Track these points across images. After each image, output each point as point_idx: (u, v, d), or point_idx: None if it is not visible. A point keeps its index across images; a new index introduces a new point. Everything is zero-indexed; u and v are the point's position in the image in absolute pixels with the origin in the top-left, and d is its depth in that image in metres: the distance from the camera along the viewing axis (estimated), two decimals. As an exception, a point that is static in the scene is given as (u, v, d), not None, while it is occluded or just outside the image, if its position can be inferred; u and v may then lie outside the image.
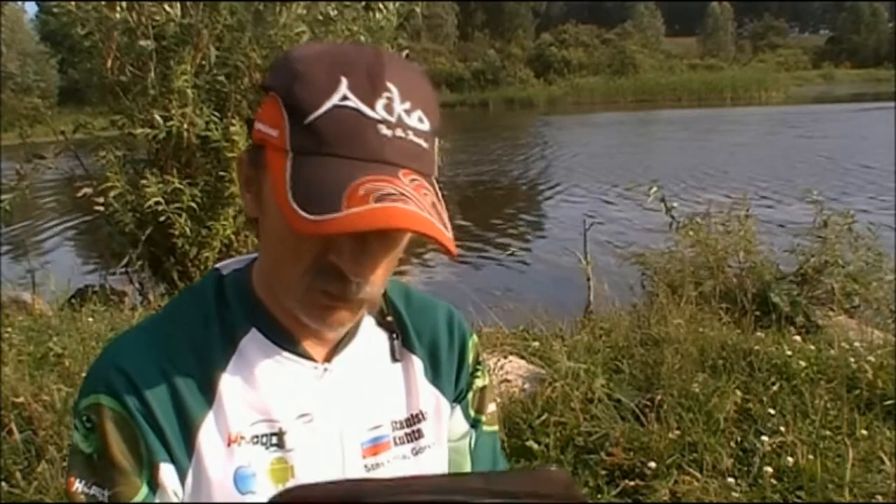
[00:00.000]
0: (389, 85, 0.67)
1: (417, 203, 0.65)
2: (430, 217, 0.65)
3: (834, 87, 50.14)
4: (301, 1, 5.14)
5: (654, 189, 5.20)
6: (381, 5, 5.34)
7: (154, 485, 0.74)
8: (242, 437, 0.77)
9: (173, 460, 0.75)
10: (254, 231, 0.85)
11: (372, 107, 0.66)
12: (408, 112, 0.68)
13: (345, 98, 0.66)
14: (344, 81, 0.67)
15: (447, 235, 0.65)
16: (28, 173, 5.49)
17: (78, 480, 0.75)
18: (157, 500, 0.74)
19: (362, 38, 5.22)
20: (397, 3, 5.40)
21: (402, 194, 0.64)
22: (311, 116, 0.66)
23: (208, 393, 0.76)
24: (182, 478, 0.75)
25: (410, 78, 0.70)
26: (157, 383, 0.75)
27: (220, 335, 0.79)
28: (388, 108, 0.67)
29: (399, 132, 0.67)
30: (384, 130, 0.66)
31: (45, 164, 5.52)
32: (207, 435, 0.76)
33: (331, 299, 0.73)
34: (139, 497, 0.74)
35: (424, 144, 0.70)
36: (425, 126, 0.70)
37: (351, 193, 0.63)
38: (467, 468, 0.92)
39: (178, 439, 0.75)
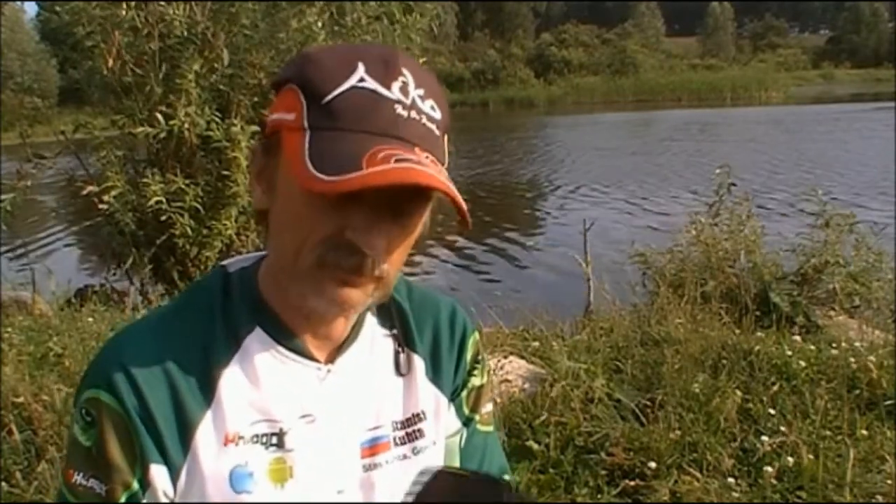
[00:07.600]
0: (404, 70, 0.69)
1: (435, 170, 0.67)
2: (447, 182, 0.66)
3: (834, 87, 50.09)
4: (317, 1, 5.13)
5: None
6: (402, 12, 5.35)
7: (145, 484, 0.75)
8: (241, 437, 0.76)
9: (167, 461, 0.75)
10: (261, 227, 0.86)
11: (388, 88, 0.68)
12: (422, 98, 0.70)
13: (362, 80, 0.68)
14: (360, 66, 0.68)
15: (463, 203, 0.67)
16: (28, 173, 5.48)
17: (76, 472, 0.75)
18: (146, 500, 0.75)
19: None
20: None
21: (420, 162, 0.66)
22: (329, 97, 0.68)
23: (208, 390, 0.76)
24: (175, 477, 0.75)
25: (422, 71, 0.72)
26: (157, 381, 0.75)
27: (225, 332, 0.78)
28: (404, 90, 0.69)
29: (414, 114, 0.69)
30: (400, 110, 0.68)
31: (46, 163, 5.52)
32: (205, 433, 0.76)
33: (344, 274, 0.72)
34: (124, 496, 0.74)
35: (436, 132, 0.71)
36: (437, 115, 0.71)
37: (370, 156, 0.64)
38: (455, 465, 0.91)
39: (174, 438, 0.75)
